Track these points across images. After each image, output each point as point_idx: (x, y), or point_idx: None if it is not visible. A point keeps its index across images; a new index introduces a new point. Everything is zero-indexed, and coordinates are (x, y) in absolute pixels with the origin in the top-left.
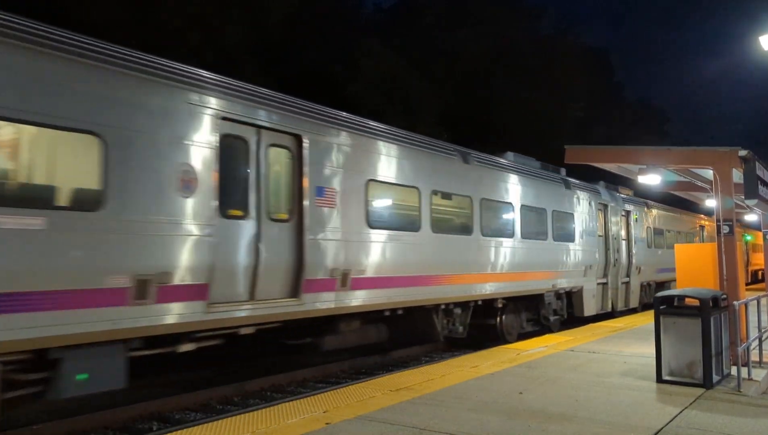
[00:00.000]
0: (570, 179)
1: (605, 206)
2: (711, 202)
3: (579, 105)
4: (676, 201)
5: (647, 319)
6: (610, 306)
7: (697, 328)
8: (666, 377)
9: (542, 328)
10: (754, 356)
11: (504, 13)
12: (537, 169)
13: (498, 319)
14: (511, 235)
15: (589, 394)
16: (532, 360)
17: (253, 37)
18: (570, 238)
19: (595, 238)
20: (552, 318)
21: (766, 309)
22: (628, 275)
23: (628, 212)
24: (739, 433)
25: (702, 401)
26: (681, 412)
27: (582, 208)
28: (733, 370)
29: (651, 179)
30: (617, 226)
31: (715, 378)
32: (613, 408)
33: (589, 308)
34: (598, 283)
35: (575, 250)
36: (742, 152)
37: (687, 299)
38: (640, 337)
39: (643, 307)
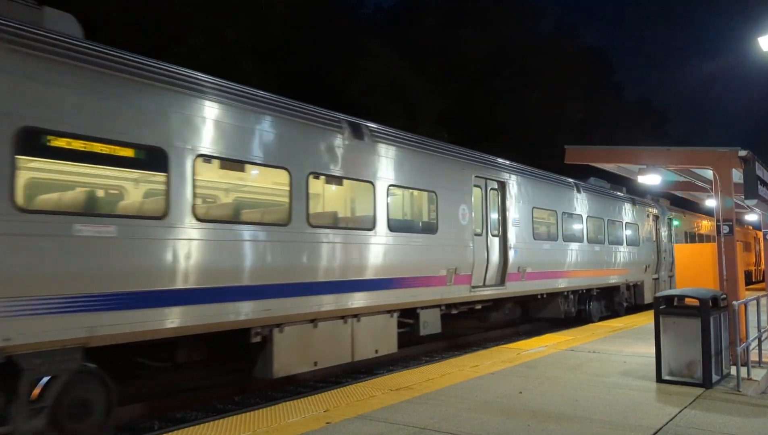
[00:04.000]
0: None
1: None
2: (711, 202)
3: (579, 105)
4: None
5: (647, 319)
6: None
7: (696, 328)
8: (666, 377)
9: None
10: (754, 356)
11: (504, 13)
12: None
13: None
14: None
15: (588, 393)
16: (531, 360)
17: (253, 36)
18: None
19: None
20: None
21: (765, 309)
22: None
23: None
24: (738, 433)
25: (701, 401)
26: (680, 411)
27: None
28: (733, 370)
29: (651, 179)
30: None
31: (715, 378)
32: (612, 408)
33: None
34: None
35: None
36: (742, 152)
37: (687, 299)
38: (640, 336)
39: None
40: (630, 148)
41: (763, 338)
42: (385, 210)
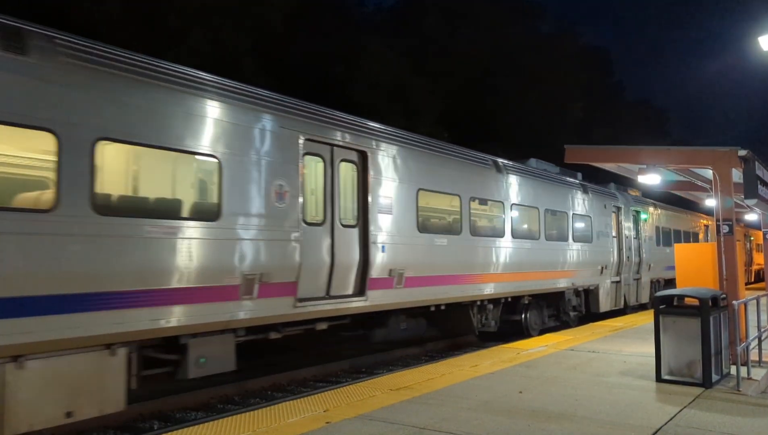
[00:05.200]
0: None
1: None
2: (711, 202)
3: (579, 105)
4: None
5: (647, 318)
6: None
7: (696, 327)
8: (665, 377)
9: None
10: (754, 356)
11: (504, 13)
12: None
13: None
14: None
15: (588, 393)
16: (531, 359)
17: (254, 36)
18: None
19: None
20: None
21: (765, 308)
22: None
23: None
24: (738, 433)
25: (701, 400)
26: (680, 411)
27: None
28: (733, 370)
29: (651, 179)
30: None
31: (715, 377)
32: (612, 407)
33: None
34: None
35: None
36: (742, 152)
37: (687, 299)
38: (640, 336)
39: None
40: (630, 147)
41: (763, 338)
42: (88, 180)
